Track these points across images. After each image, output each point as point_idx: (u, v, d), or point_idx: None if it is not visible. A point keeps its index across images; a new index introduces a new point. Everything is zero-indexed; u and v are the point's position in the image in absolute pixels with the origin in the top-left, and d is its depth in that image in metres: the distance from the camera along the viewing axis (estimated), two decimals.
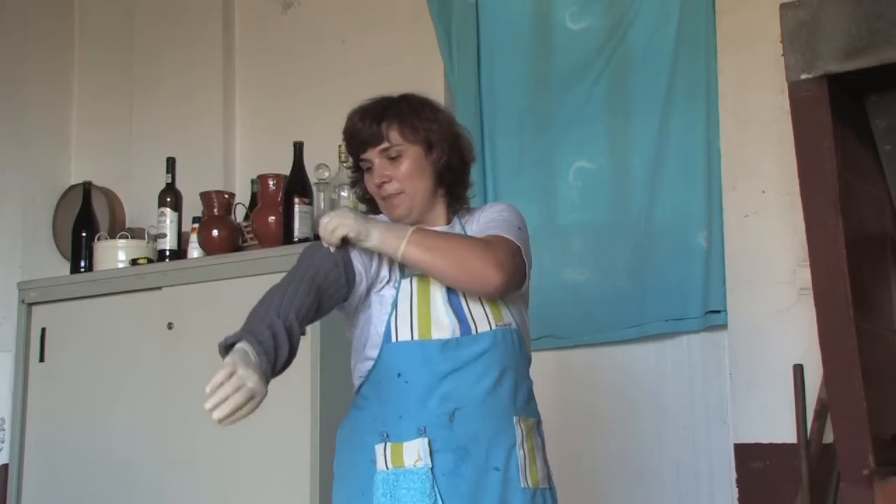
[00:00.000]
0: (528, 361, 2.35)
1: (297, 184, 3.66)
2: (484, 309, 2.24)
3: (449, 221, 2.36)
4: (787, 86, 2.71)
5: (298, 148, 3.70)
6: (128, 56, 4.47)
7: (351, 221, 2.16)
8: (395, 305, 2.23)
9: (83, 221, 4.10)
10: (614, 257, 3.63)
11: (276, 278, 2.17)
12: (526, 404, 2.29)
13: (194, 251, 3.84)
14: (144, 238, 4.00)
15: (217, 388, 1.88)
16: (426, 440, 2.17)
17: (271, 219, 3.69)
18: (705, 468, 3.44)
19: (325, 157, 3.70)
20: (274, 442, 3.37)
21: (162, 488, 3.58)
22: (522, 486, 2.21)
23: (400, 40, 4.02)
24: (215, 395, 1.87)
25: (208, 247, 3.78)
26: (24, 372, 3.94)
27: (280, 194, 3.69)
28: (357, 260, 2.21)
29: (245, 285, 3.41)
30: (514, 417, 2.24)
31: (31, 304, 3.98)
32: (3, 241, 4.15)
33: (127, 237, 4.03)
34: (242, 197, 3.99)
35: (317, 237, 3.53)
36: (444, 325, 2.21)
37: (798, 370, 2.90)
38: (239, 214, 3.89)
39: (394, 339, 2.22)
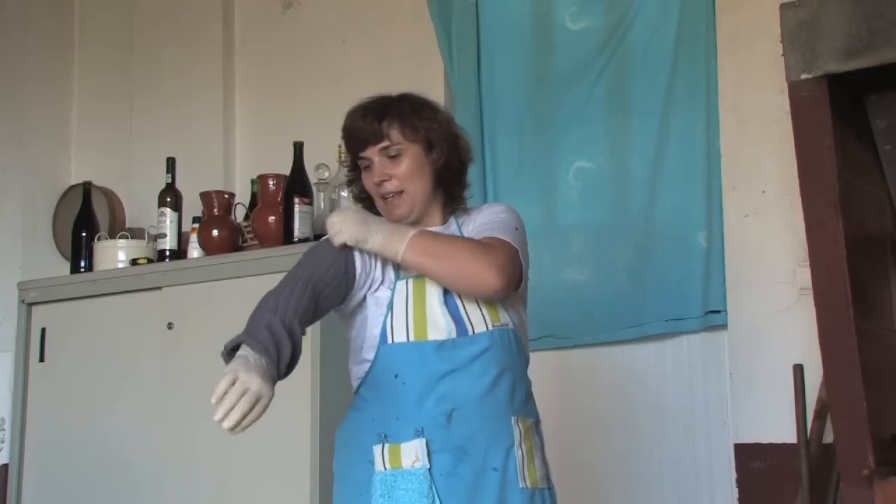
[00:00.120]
0: (527, 362, 2.35)
1: (297, 184, 3.66)
2: (480, 310, 2.23)
3: (445, 221, 2.36)
4: (787, 86, 2.71)
5: (298, 148, 3.71)
6: (128, 56, 4.47)
7: (351, 227, 2.17)
8: (390, 307, 2.23)
9: (83, 221, 4.10)
10: (614, 257, 3.63)
11: (277, 278, 2.17)
12: (524, 404, 2.29)
13: (194, 251, 3.84)
14: (144, 238, 4.00)
15: (222, 398, 1.88)
16: (424, 441, 2.17)
17: (271, 219, 3.69)
18: (705, 468, 3.43)
19: (325, 157, 3.70)
20: (274, 442, 3.37)
21: (162, 488, 3.58)
22: (521, 486, 2.21)
23: (400, 40, 4.02)
24: (222, 406, 1.89)
25: (208, 247, 3.78)
26: (24, 372, 3.94)
27: (280, 194, 3.69)
28: (358, 261, 2.22)
29: (245, 285, 3.41)
30: (513, 418, 2.24)
31: (31, 304, 3.98)
32: (3, 241, 4.15)
33: (127, 237, 4.03)
34: (242, 197, 3.99)
35: (317, 237, 3.57)
36: (439, 325, 2.21)
37: (798, 370, 2.90)
38: (239, 214, 3.89)
39: (390, 341, 2.22)
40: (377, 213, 2.36)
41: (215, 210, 3.81)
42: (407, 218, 2.31)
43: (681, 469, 3.48)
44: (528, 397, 2.32)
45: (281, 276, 2.18)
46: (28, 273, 4.13)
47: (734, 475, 3.26)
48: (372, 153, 2.29)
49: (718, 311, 3.41)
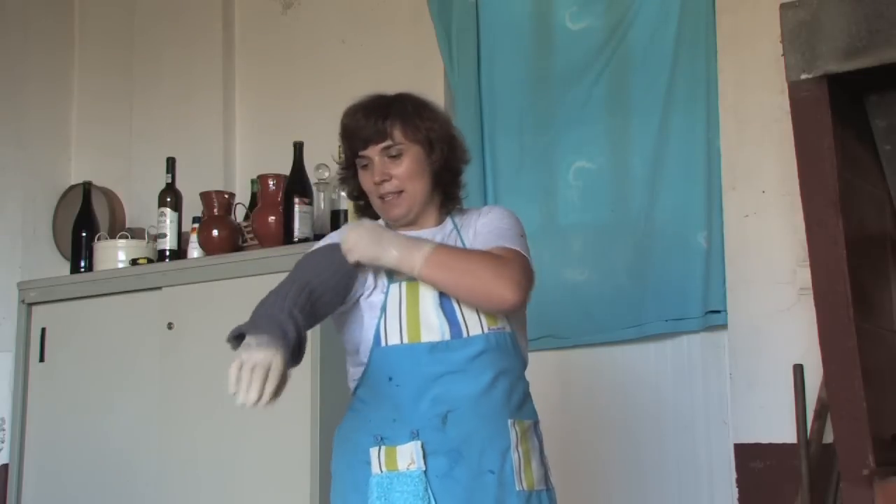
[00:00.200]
0: (525, 364, 2.33)
1: (297, 184, 3.67)
2: (477, 312, 2.22)
3: (441, 222, 2.36)
4: (787, 86, 2.71)
5: (298, 148, 3.71)
6: (128, 56, 4.47)
7: (365, 246, 2.16)
8: (383, 310, 2.23)
9: (83, 221, 4.10)
10: (614, 257, 3.63)
11: (277, 278, 2.17)
12: (521, 406, 2.28)
13: (194, 251, 3.84)
14: (144, 238, 4.00)
15: (238, 383, 1.90)
16: (419, 443, 2.17)
17: (271, 219, 3.69)
18: (705, 468, 3.43)
19: (325, 157, 3.69)
20: (274, 442, 3.37)
21: (162, 488, 3.58)
22: (517, 488, 2.20)
23: (400, 40, 4.02)
24: (239, 390, 1.90)
25: (208, 247, 3.78)
26: (24, 372, 3.94)
27: (280, 194, 3.70)
28: (349, 273, 2.22)
29: (245, 285, 3.41)
30: (509, 420, 2.23)
31: (31, 304, 3.98)
32: (3, 241, 4.15)
33: (127, 237, 4.03)
34: (242, 197, 3.99)
35: (317, 237, 3.57)
36: (433, 327, 2.20)
37: (798, 370, 2.90)
38: (239, 214, 3.89)
39: (383, 344, 2.22)
40: (373, 212, 2.36)
41: (215, 210, 3.81)
42: (404, 218, 2.31)
43: (681, 469, 3.48)
44: (526, 399, 2.31)
45: (281, 276, 2.17)
46: (28, 273, 4.13)
47: (734, 475, 3.26)
48: (373, 152, 2.29)
49: (718, 311, 3.40)
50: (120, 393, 3.75)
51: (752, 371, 3.26)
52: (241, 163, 4.26)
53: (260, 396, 1.90)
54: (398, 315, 2.22)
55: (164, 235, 3.87)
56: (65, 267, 4.20)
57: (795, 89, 2.68)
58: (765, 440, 3.20)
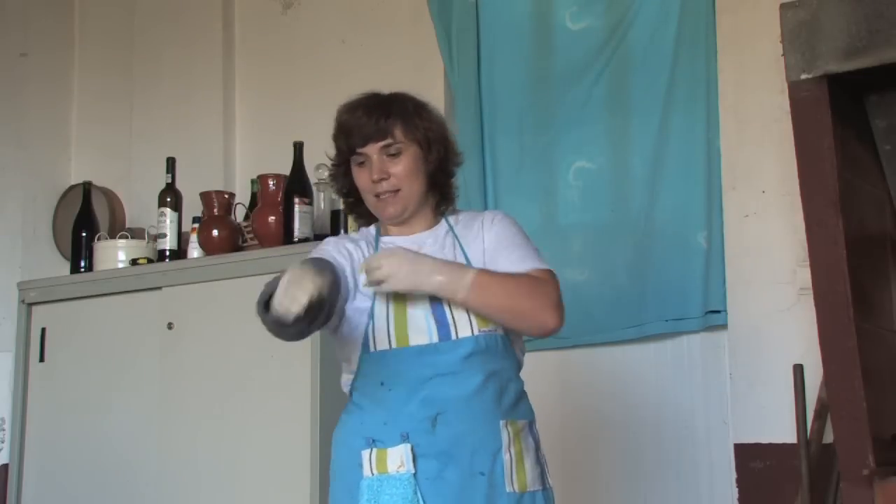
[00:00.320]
0: (519, 365, 2.33)
1: (297, 184, 3.67)
2: (468, 313, 2.21)
3: (436, 222, 2.36)
4: (787, 86, 2.71)
5: (298, 148, 3.71)
6: (128, 56, 4.47)
7: (406, 275, 2.13)
8: (371, 315, 2.23)
9: (83, 221, 4.11)
10: (614, 257, 3.63)
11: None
12: (514, 407, 2.26)
13: (194, 251, 3.84)
14: (144, 238, 4.00)
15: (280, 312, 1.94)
16: (409, 446, 2.17)
17: (271, 219, 3.70)
18: (705, 468, 3.43)
19: (325, 157, 3.68)
20: (274, 441, 3.37)
21: (162, 488, 3.58)
22: (508, 490, 2.19)
23: (400, 40, 4.02)
24: (281, 311, 1.93)
25: (208, 247, 3.78)
26: (24, 372, 3.95)
27: (280, 194, 3.70)
28: (350, 277, 2.23)
29: (245, 285, 3.39)
30: (501, 421, 2.22)
31: (31, 304, 3.98)
32: (3, 241, 4.15)
33: (127, 237, 4.03)
34: (242, 197, 3.99)
35: (317, 237, 3.57)
36: (421, 330, 2.20)
37: (798, 370, 2.90)
38: (239, 214, 3.89)
39: (372, 349, 2.22)
40: (363, 210, 2.36)
41: (215, 210, 3.81)
42: (399, 217, 2.31)
43: (681, 469, 3.48)
44: (519, 399, 2.30)
45: None
46: (28, 273, 4.13)
47: (734, 475, 3.26)
48: (372, 150, 2.28)
49: (718, 311, 3.40)
50: (120, 393, 3.75)
51: (752, 371, 3.26)
52: (241, 163, 4.26)
53: (292, 302, 1.92)
54: (385, 319, 2.22)
55: (164, 235, 3.87)
56: (65, 267, 4.20)
57: (795, 89, 2.68)
58: (765, 440, 3.20)
